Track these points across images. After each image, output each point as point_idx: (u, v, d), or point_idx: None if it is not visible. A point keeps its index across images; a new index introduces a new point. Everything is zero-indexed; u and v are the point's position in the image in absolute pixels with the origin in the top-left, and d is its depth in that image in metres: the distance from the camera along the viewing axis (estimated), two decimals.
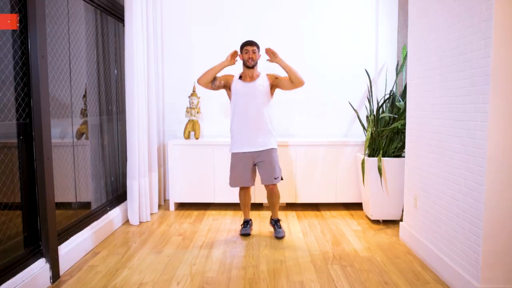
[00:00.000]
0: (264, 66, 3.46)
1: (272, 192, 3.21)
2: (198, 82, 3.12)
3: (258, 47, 3.16)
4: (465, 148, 2.21)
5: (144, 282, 2.40)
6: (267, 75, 3.20)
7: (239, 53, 3.16)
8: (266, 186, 3.22)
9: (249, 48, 3.12)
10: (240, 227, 3.42)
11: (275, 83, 3.18)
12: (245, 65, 3.14)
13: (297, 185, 4.00)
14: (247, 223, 3.34)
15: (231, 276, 2.50)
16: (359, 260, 2.74)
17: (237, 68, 3.43)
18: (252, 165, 3.16)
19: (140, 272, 2.55)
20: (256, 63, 3.14)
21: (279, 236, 3.19)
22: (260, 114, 3.11)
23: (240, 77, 3.18)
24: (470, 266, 2.15)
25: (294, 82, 3.04)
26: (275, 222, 3.30)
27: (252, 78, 3.15)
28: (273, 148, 3.15)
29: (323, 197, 4.02)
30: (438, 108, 2.54)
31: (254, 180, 3.23)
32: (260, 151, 3.12)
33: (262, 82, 3.15)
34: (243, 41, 3.19)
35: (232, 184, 3.22)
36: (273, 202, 3.27)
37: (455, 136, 2.32)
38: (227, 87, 3.22)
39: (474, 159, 2.11)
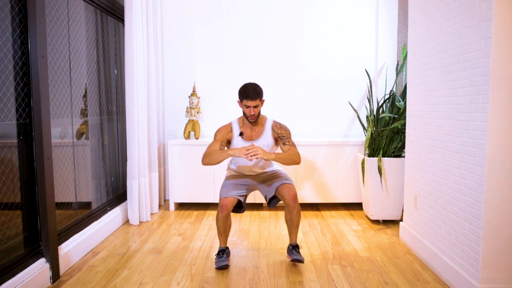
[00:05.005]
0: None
1: (292, 202, 2.55)
2: (202, 163, 2.65)
3: (260, 98, 2.60)
4: (465, 148, 2.21)
5: (144, 282, 2.40)
6: (273, 127, 2.70)
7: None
8: (284, 197, 2.59)
9: (251, 103, 2.55)
10: (215, 257, 2.70)
11: (278, 138, 2.71)
12: (246, 118, 2.66)
13: (297, 185, 4.00)
14: (223, 252, 2.64)
15: (231, 276, 2.49)
16: (359, 260, 2.74)
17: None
18: (249, 185, 2.77)
19: (140, 272, 2.55)
20: (259, 116, 2.65)
21: (296, 259, 2.54)
22: (264, 168, 2.77)
23: (241, 134, 2.69)
24: (470, 266, 2.15)
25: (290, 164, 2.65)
26: (293, 248, 2.63)
27: (255, 134, 2.69)
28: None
29: (323, 197, 4.02)
30: (438, 108, 2.54)
31: (244, 199, 2.70)
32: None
33: (266, 141, 2.67)
34: (242, 86, 2.63)
35: (223, 193, 2.62)
36: (292, 219, 2.60)
37: (455, 136, 2.32)
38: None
39: (474, 159, 2.11)
